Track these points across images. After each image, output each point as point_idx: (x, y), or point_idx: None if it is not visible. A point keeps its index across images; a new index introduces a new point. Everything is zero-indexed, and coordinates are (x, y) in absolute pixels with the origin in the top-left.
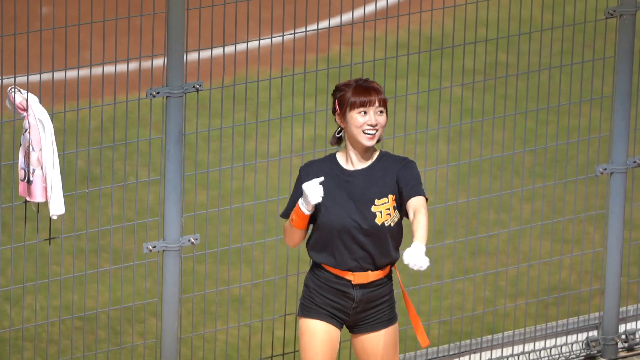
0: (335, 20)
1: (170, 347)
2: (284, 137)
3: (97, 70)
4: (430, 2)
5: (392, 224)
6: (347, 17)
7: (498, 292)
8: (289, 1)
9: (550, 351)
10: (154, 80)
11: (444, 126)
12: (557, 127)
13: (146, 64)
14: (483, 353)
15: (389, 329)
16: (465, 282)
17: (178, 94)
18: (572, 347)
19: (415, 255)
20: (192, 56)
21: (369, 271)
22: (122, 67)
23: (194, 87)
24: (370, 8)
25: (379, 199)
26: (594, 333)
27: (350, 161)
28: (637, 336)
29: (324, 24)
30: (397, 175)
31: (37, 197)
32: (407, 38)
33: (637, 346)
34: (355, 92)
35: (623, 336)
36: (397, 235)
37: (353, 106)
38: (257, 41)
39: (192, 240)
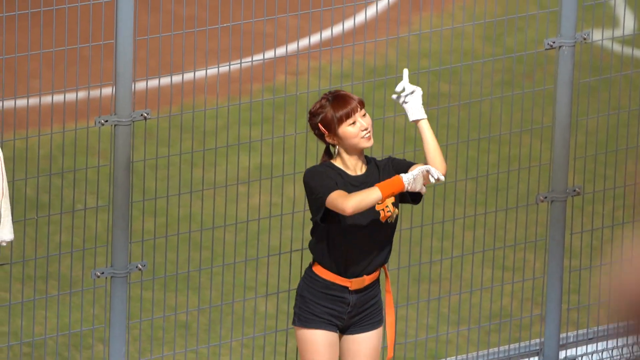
0: (280, 51)
1: None
2: (230, 166)
3: (46, 99)
4: (374, 33)
5: (392, 221)
6: (292, 47)
7: (441, 319)
8: (235, 32)
9: None
10: (102, 109)
11: (387, 155)
12: (498, 156)
13: (95, 92)
14: None
15: (376, 331)
16: (409, 309)
17: (126, 122)
18: None
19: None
20: (140, 85)
21: (365, 276)
22: (71, 96)
23: (141, 115)
24: (315, 38)
25: None
26: (535, 359)
27: (351, 168)
28: None
29: (269, 54)
30: (390, 169)
31: None
32: (351, 68)
33: None
34: (335, 107)
35: None
36: (393, 234)
37: (340, 122)
38: (204, 71)
39: (140, 267)
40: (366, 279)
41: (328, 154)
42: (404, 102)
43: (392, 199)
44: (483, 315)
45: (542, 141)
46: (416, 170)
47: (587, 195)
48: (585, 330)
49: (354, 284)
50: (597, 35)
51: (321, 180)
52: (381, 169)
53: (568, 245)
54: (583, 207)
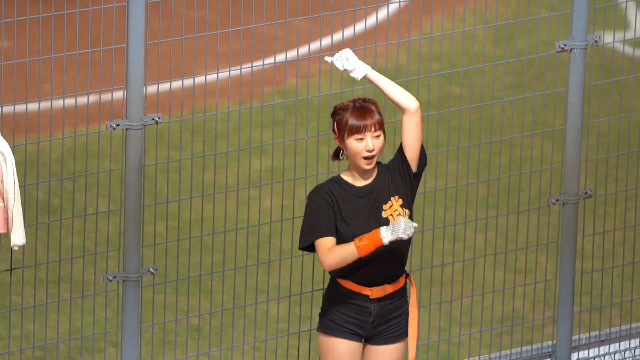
0: (291, 54)
1: None
2: (242, 169)
3: (57, 103)
4: (385, 36)
5: None
6: (303, 50)
7: (452, 322)
8: (246, 35)
9: None
10: (113, 113)
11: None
12: (509, 159)
13: (106, 96)
14: None
15: (399, 344)
16: (420, 311)
17: (138, 126)
18: None
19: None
20: (152, 89)
21: (386, 284)
22: (82, 100)
23: (153, 119)
24: (325, 41)
25: (385, 203)
26: None
27: (358, 177)
28: None
29: (280, 58)
30: (395, 168)
31: None
32: None
33: None
34: (352, 116)
35: None
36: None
37: (350, 132)
38: (215, 74)
39: (152, 270)
40: (387, 288)
41: (336, 155)
42: (345, 68)
43: (400, 201)
44: (495, 317)
45: (553, 143)
46: (397, 221)
47: (598, 197)
48: (597, 332)
49: (374, 292)
50: (608, 38)
51: (316, 216)
52: (391, 171)
53: (580, 248)
54: (595, 210)
